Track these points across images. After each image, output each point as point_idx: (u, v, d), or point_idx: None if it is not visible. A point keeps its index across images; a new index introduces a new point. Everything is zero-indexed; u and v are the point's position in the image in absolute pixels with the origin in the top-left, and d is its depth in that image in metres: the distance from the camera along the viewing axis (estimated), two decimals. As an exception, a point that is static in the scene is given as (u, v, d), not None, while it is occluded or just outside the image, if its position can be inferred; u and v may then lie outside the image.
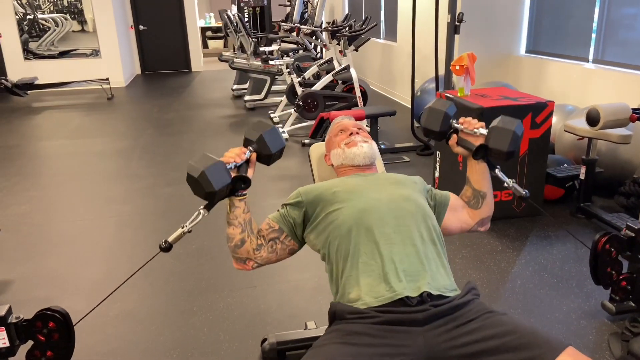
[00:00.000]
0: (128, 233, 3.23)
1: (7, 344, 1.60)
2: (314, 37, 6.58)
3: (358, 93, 5.39)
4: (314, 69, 5.95)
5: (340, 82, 5.63)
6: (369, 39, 5.45)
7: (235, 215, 1.46)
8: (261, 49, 5.62)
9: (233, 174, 1.41)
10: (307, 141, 4.98)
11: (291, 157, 4.72)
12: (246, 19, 10.77)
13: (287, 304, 2.41)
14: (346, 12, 9.28)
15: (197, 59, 10.88)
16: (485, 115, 3.04)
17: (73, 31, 9.35)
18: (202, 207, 1.41)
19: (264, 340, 2.04)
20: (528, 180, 3.21)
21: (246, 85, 7.26)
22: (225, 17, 7.49)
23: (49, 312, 1.63)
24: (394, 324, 1.23)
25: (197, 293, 2.52)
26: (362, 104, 5.41)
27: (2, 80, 7.57)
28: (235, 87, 7.74)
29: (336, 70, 5.41)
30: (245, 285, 2.56)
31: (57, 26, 9.36)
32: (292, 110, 5.43)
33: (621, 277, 2.16)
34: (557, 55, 4.77)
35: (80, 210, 3.63)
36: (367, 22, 5.51)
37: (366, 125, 5.20)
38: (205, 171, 1.33)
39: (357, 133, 1.68)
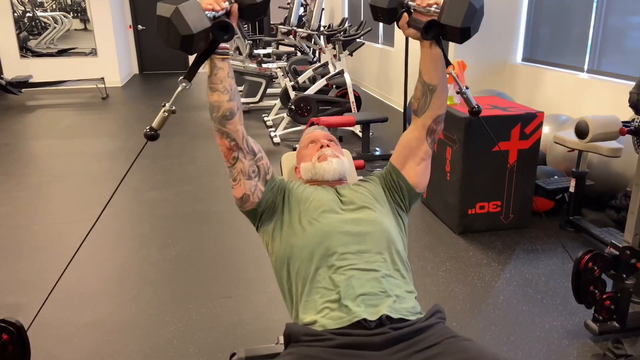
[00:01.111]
0: (107, 237, 3.17)
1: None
2: (311, 41, 6.53)
3: (352, 98, 5.33)
4: (308, 73, 5.89)
5: (334, 86, 5.57)
6: (364, 43, 5.39)
7: (220, 78, 1.29)
8: (256, 51, 5.56)
9: (220, 20, 1.19)
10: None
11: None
12: (244, 23, 10.72)
13: (262, 316, 2.34)
14: (345, 15, 9.23)
15: (196, 60, 10.82)
16: (472, 125, 2.98)
17: (75, 29, 9.30)
18: (181, 77, 1.21)
19: (233, 354, 1.97)
20: (516, 192, 3.14)
21: (241, 88, 7.21)
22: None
23: (2, 324, 1.56)
24: (351, 347, 1.16)
25: (170, 302, 2.45)
26: (355, 109, 5.35)
27: (-4, 78, 7.54)
28: (230, 89, 7.68)
29: (330, 74, 5.35)
30: (221, 295, 2.50)
31: (57, 24, 9.32)
32: (285, 114, 5.38)
33: (605, 297, 2.10)
34: (554, 64, 4.70)
35: (62, 212, 3.57)
36: (362, 27, 5.45)
37: (359, 131, 5.14)
38: (180, 7, 1.10)
39: (328, 146, 1.62)
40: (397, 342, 1.18)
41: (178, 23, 1.10)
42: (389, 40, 7.37)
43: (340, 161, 1.58)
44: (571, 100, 4.30)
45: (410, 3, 1.32)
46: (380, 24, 7.81)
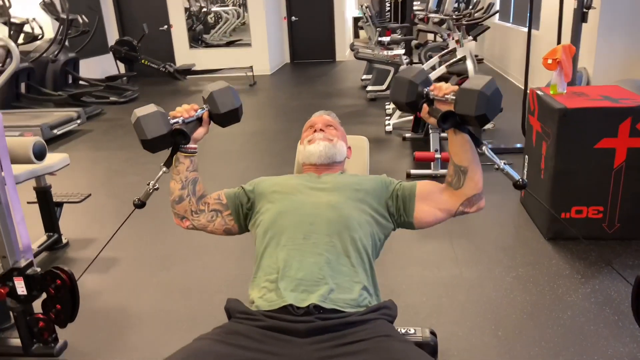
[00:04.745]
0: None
1: (25, 292, 1.89)
2: (444, 26, 6.27)
3: (473, 87, 5.01)
4: (434, 60, 5.68)
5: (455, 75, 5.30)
6: (488, 27, 5.01)
7: (178, 170, 1.46)
8: (379, 38, 5.54)
9: (178, 128, 1.40)
10: (408, 135, 4.82)
11: (387, 150, 4.63)
12: (387, 9, 10.67)
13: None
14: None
15: (343, 49, 11.11)
16: (568, 117, 2.63)
17: (243, 23, 10.22)
18: (162, 164, 1.46)
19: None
20: (624, 197, 2.70)
21: (370, 76, 7.24)
22: (364, 7, 7.54)
23: (57, 271, 1.88)
24: (277, 330, 1.18)
25: None
26: (477, 98, 5.02)
27: (166, 66, 8.67)
28: (364, 77, 7.77)
29: (450, 61, 5.11)
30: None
31: (230, 18, 10.33)
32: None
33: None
34: None
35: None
36: (489, 10, 5.07)
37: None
38: (140, 118, 1.35)
39: (322, 130, 1.61)
40: (323, 332, 1.17)
41: (138, 129, 1.35)
42: (535, 21, 6.71)
43: (330, 145, 1.57)
44: None
45: (430, 93, 1.38)
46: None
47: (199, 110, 1.45)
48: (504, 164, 1.33)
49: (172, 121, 1.40)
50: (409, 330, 1.99)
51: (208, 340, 1.18)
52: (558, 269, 2.55)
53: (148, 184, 1.44)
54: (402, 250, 2.81)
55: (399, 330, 1.99)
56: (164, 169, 1.44)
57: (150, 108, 1.38)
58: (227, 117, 1.46)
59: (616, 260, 2.60)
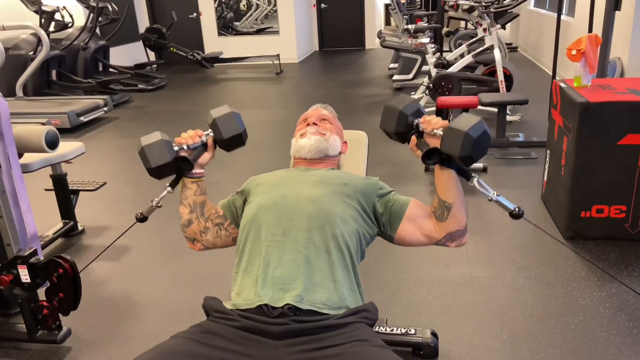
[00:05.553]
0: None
1: (29, 280, 1.94)
2: (474, 14, 6.08)
3: (501, 76, 4.86)
4: (461, 49, 5.53)
5: (482, 65, 5.15)
6: (518, 15, 4.83)
7: (186, 195, 1.50)
8: (405, 26, 5.41)
9: (185, 154, 1.44)
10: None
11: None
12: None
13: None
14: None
15: (372, 37, 10.94)
16: (590, 111, 2.50)
17: (275, 10, 10.18)
18: (167, 184, 1.49)
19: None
20: (649, 198, 2.56)
21: (397, 65, 7.10)
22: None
23: (59, 260, 1.92)
24: (251, 331, 1.16)
25: None
26: (504, 88, 4.87)
27: (194, 54, 8.73)
28: (391, 65, 7.63)
29: (477, 50, 4.95)
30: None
31: (258, 7, 10.32)
32: (424, 93, 5.17)
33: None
34: None
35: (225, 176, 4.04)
36: (518, -3, 4.87)
37: (518, 116, 4.69)
38: (144, 147, 1.40)
39: (315, 124, 1.58)
40: (297, 335, 1.15)
41: (143, 158, 1.39)
42: (570, 8, 6.44)
43: (321, 139, 1.54)
44: None
45: (420, 125, 1.37)
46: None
47: (204, 135, 1.48)
48: (496, 195, 1.30)
49: (176, 148, 1.43)
50: (409, 330, 1.95)
51: (182, 338, 1.17)
52: (574, 271, 2.44)
53: (152, 201, 1.48)
54: (412, 246, 2.75)
55: (398, 330, 1.95)
56: (169, 189, 1.46)
57: (155, 137, 1.41)
58: (231, 142, 1.49)
59: (637, 262, 2.48)
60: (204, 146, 1.49)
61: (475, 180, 1.31)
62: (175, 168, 1.44)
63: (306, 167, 1.52)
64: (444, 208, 1.37)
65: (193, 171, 1.46)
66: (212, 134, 1.49)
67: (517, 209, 1.28)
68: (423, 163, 1.34)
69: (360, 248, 1.37)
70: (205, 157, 1.48)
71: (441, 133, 1.29)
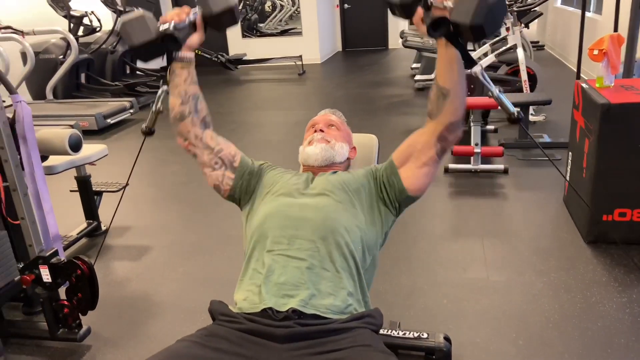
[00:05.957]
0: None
1: (50, 280, 2.00)
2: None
3: (524, 76, 4.77)
4: (485, 48, 5.46)
5: (505, 64, 5.07)
6: (541, 13, 4.74)
7: (176, 83, 1.40)
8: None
9: (171, 33, 1.30)
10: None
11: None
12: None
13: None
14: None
15: (395, 37, 10.85)
16: (611, 113, 2.45)
17: (299, 11, 10.23)
18: (161, 81, 1.41)
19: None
20: (674, 200, 2.49)
21: (419, 65, 7.06)
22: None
23: (77, 261, 1.97)
24: (256, 334, 1.18)
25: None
26: (528, 88, 4.79)
27: (218, 56, 8.83)
28: (414, 65, 7.59)
29: (500, 50, 4.88)
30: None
31: (282, 8, 10.38)
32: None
33: None
34: None
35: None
36: (542, -5, 4.79)
37: (543, 116, 4.62)
38: (125, 24, 1.27)
39: (322, 130, 1.58)
40: (301, 339, 1.16)
41: (125, 36, 1.27)
42: (597, 6, 6.28)
43: (327, 147, 1.53)
44: None
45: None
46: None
47: (191, 13, 1.34)
48: (500, 92, 1.21)
49: (162, 27, 1.29)
50: (422, 334, 1.94)
51: (188, 342, 1.19)
52: (594, 275, 2.39)
53: (151, 109, 1.39)
54: (428, 248, 2.74)
55: (410, 334, 1.94)
56: (164, 87, 1.36)
57: (137, 13, 1.27)
58: (222, 18, 1.33)
59: (661, 268, 2.41)
60: (192, 27, 1.36)
61: (478, 69, 1.23)
62: (163, 50, 1.31)
63: (312, 172, 1.53)
64: (441, 96, 1.28)
65: (181, 54, 1.36)
66: (199, 10, 1.34)
67: (516, 112, 1.21)
68: (428, 35, 1.21)
69: (369, 253, 1.36)
70: (194, 38, 1.37)
71: (452, 6, 1.14)
